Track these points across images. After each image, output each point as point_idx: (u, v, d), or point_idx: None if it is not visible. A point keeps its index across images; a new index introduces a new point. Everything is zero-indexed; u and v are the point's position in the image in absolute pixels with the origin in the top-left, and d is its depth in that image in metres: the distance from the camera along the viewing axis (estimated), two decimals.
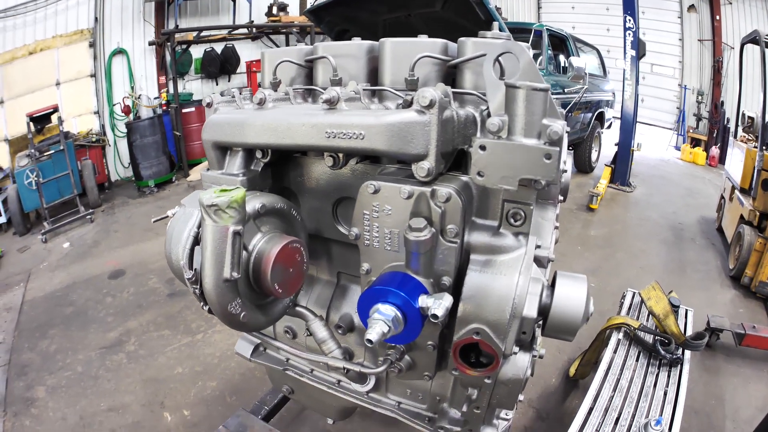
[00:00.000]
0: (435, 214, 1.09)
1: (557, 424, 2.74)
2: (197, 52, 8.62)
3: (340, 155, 1.27)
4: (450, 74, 1.35)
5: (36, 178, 5.74)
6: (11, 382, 3.20)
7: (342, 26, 2.64)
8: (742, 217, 4.64)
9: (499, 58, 1.08)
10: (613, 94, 8.43)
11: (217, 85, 9.23)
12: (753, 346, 3.31)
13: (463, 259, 1.16)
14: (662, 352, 2.56)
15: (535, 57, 6.27)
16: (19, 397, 3.06)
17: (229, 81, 9.36)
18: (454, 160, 1.22)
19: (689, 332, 2.86)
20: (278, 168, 1.44)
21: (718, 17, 10.69)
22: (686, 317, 3.02)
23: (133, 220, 6.34)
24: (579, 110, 6.85)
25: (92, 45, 7.36)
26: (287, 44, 9.16)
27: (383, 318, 1.03)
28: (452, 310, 1.09)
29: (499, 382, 1.25)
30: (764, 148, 4.47)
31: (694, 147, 10.50)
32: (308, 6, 3.62)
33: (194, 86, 8.93)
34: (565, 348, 3.34)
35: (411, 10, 2.35)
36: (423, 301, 1.06)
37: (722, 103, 10.65)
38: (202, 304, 1.14)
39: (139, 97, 7.82)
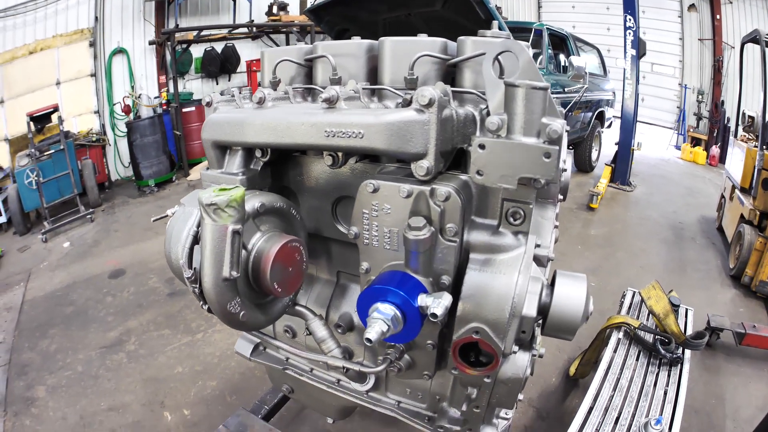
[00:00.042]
0: (434, 213, 1.09)
1: (557, 423, 2.74)
2: (197, 51, 8.63)
3: (340, 154, 1.27)
4: (450, 73, 1.35)
5: (36, 178, 5.74)
6: (11, 382, 3.21)
7: (342, 25, 2.64)
8: (742, 216, 4.63)
9: (499, 57, 1.08)
10: (614, 93, 8.43)
11: (217, 84, 9.23)
12: (753, 345, 3.31)
13: (462, 258, 1.16)
14: (662, 351, 2.56)
15: (536, 56, 6.26)
16: (20, 396, 3.06)
17: (229, 80, 9.36)
18: (454, 159, 1.22)
19: (689, 331, 2.86)
20: (278, 167, 1.44)
21: (718, 16, 10.69)
22: (686, 316, 3.02)
23: (134, 220, 6.34)
24: (579, 109, 6.85)
25: (92, 44, 7.36)
26: (287, 43, 9.16)
27: (382, 317, 1.03)
28: (452, 309, 1.09)
29: (499, 382, 1.25)
30: (764, 147, 4.47)
31: (694, 146, 10.50)
32: (308, 5, 3.62)
33: (194, 86, 8.93)
34: (565, 347, 3.33)
35: (411, 10, 2.35)
36: (422, 300, 1.06)
37: (722, 102, 10.65)
38: (201, 303, 1.14)
39: (139, 97, 7.82)
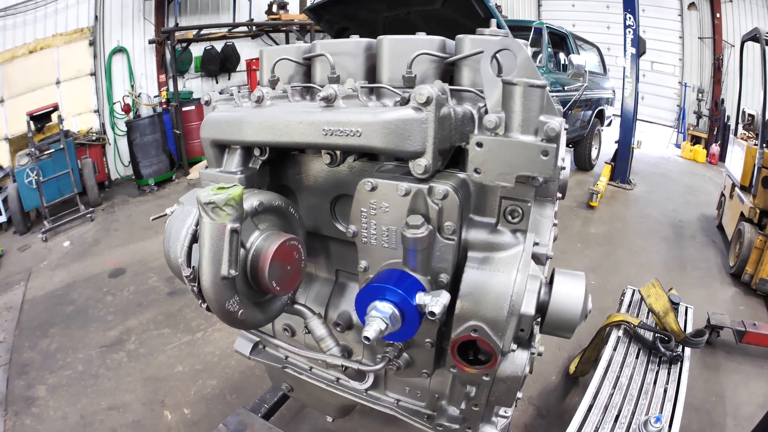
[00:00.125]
0: (432, 211, 1.09)
1: (557, 421, 2.74)
2: (197, 50, 8.61)
3: (338, 153, 1.27)
4: (448, 71, 1.35)
5: (36, 177, 5.74)
6: (12, 381, 3.21)
7: (342, 24, 2.64)
8: (742, 214, 4.63)
9: (497, 55, 1.08)
10: (613, 91, 8.42)
11: (217, 83, 9.22)
12: (753, 343, 3.32)
13: (460, 256, 1.16)
14: (662, 349, 2.56)
15: (535, 55, 6.26)
16: (20, 396, 3.06)
17: (229, 79, 9.35)
18: (452, 157, 1.22)
19: (689, 329, 2.85)
20: (276, 166, 1.44)
21: (718, 15, 10.67)
22: (686, 314, 3.02)
23: (133, 219, 6.34)
24: (579, 108, 6.84)
25: (92, 43, 7.35)
26: (287, 42, 9.15)
27: (381, 315, 1.03)
28: (450, 308, 1.09)
29: (498, 380, 1.25)
30: (764, 145, 4.47)
31: (694, 144, 10.49)
32: (308, 4, 3.62)
33: (194, 84, 8.92)
34: (565, 345, 3.34)
35: (410, 8, 2.35)
36: (420, 298, 1.06)
37: (722, 100, 10.63)
38: (200, 301, 1.14)
39: (139, 96, 7.81)
